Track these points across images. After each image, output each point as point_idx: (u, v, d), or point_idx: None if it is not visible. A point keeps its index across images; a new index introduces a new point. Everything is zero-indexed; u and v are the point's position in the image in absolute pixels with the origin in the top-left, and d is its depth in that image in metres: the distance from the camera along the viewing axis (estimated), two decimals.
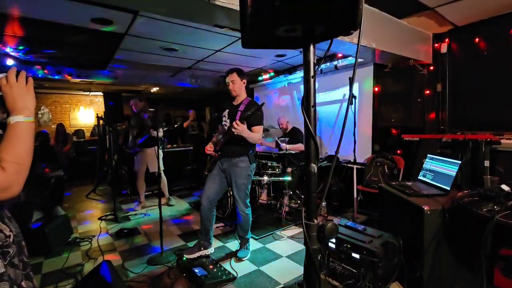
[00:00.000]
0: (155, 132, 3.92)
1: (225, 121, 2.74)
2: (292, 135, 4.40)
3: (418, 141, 3.46)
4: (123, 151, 5.70)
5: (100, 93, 8.10)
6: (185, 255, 2.69)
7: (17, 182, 0.82)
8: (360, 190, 3.73)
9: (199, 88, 6.67)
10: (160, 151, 4.41)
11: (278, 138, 4.29)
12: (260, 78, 6.19)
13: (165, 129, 4.08)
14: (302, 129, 4.73)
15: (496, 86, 3.11)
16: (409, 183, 2.57)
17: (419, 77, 3.62)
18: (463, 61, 3.40)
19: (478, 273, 1.70)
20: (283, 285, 2.33)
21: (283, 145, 3.87)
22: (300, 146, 4.20)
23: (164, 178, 4.50)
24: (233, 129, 2.40)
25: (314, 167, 0.94)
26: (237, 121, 2.39)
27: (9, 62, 4.26)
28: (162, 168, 4.41)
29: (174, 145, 6.27)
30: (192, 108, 7.13)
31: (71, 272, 2.56)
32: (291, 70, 5.56)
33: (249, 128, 2.53)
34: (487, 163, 2.74)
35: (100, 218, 3.97)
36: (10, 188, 0.80)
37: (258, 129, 2.60)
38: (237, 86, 2.66)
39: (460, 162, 2.32)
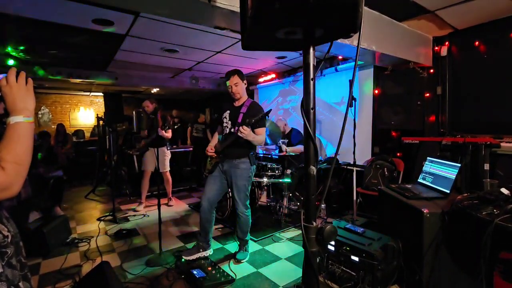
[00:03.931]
0: (164, 133, 3.95)
1: (226, 122, 2.73)
2: (291, 137, 4.40)
3: (418, 143, 3.46)
4: (122, 152, 5.71)
5: (101, 94, 8.11)
6: (183, 257, 2.69)
7: (16, 182, 0.82)
8: (359, 192, 3.73)
9: (199, 89, 6.68)
10: (168, 151, 4.44)
11: (280, 141, 4.29)
12: (260, 80, 6.21)
13: (171, 127, 4.07)
14: (302, 130, 4.75)
15: (496, 89, 3.11)
16: (409, 186, 2.57)
17: (419, 80, 3.63)
18: (463, 64, 3.40)
19: (477, 277, 1.69)
20: None
21: (284, 147, 3.89)
22: (300, 148, 4.20)
23: (170, 178, 4.52)
24: (239, 134, 2.41)
25: (313, 169, 0.94)
26: (244, 127, 2.39)
27: (10, 62, 4.26)
28: (168, 168, 4.46)
29: (174, 146, 6.27)
30: (192, 110, 7.15)
31: (69, 273, 2.54)
32: (291, 71, 5.57)
33: (252, 130, 2.53)
34: (486, 166, 2.74)
35: (99, 219, 3.97)
36: (10, 188, 0.81)
37: (261, 131, 2.60)
38: (240, 88, 2.66)
39: (459, 165, 2.31)
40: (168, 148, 4.46)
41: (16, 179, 0.82)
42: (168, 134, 4.12)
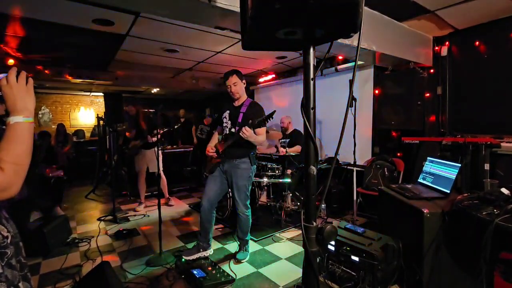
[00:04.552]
0: (152, 138, 4.01)
1: (226, 122, 2.73)
2: (292, 137, 4.40)
3: (418, 144, 3.46)
4: (123, 152, 5.71)
5: (101, 94, 8.12)
6: (184, 257, 2.69)
7: (15, 183, 0.82)
8: (360, 192, 3.73)
9: (200, 89, 6.68)
10: (160, 151, 4.43)
11: (279, 141, 4.29)
12: (260, 80, 6.21)
13: (164, 130, 4.11)
14: (301, 131, 4.68)
15: (496, 89, 3.11)
16: (409, 186, 2.57)
17: (419, 80, 3.62)
18: (463, 64, 3.40)
19: (477, 277, 1.69)
20: None
21: (282, 150, 3.89)
22: (297, 148, 4.20)
23: (164, 178, 4.51)
24: (241, 134, 2.41)
25: (313, 169, 0.94)
26: (246, 127, 2.39)
27: (10, 62, 4.27)
28: (161, 168, 4.44)
29: (174, 146, 6.27)
30: (193, 110, 7.14)
31: (70, 273, 2.54)
32: (291, 72, 5.58)
33: (253, 130, 2.52)
34: (487, 166, 2.74)
35: (99, 219, 3.97)
36: (8, 188, 0.80)
37: (262, 131, 2.59)
38: (239, 88, 2.65)
39: (460, 165, 2.31)
40: (159, 148, 4.46)
41: (15, 179, 0.82)
42: (155, 138, 4.16)
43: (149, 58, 4.57)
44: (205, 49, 4.15)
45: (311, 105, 0.94)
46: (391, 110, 3.90)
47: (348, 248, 2.19)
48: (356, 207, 3.66)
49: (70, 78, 5.13)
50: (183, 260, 2.65)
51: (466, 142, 2.87)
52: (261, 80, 6.20)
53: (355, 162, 3.57)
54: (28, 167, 0.87)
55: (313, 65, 0.94)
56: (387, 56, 3.13)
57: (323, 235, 0.92)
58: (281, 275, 2.49)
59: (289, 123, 4.57)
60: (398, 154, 3.87)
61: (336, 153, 1.00)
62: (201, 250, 2.75)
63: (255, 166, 2.74)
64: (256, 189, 3.84)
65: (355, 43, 2.62)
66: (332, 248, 2.31)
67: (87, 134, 8.52)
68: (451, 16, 2.98)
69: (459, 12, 2.88)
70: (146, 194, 4.59)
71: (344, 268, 2.21)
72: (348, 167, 3.92)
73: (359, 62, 3.87)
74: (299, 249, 2.98)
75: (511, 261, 1.59)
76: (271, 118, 2.41)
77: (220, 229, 3.56)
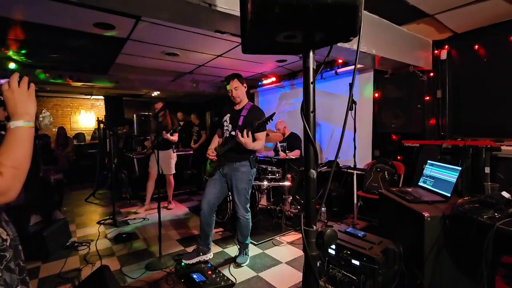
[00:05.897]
0: (170, 136, 4.01)
1: (226, 126, 2.73)
2: (290, 141, 4.40)
3: (418, 147, 3.45)
4: (123, 155, 5.71)
5: (101, 97, 8.14)
6: (183, 261, 2.67)
7: (14, 187, 0.81)
8: (360, 196, 3.72)
9: (200, 93, 6.70)
10: (175, 154, 4.44)
11: (277, 144, 4.29)
12: (260, 83, 6.23)
13: (177, 131, 4.13)
14: (301, 134, 4.70)
15: (496, 92, 3.12)
16: (409, 189, 2.56)
17: (419, 83, 3.63)
18: (463, 67, 3.41)
19: (479, 281, 1.68)
20: None
21: (282, 154, 3.90)
22: (297, 153, 4.20)
23: (172, 181, 4.52)
24: (237, 139, 2.41)
25: (313, 172, 0.94)
26: (244, 134, 2.39)
27: (11, 65, 4.28)
28: (173, 171, 4.45)
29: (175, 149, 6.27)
30: (193, 112, 7.14)
31: (69, 277, 2.53)
32: (291, 75, 5.59)
33: (253, 134, 2.52)
34: (487, 170, 2.73)
35: (99, 222, 3.96)
36: (7, 193, 0.80)
37: (261, 136, 2.59)
38: (240, 92, 2.66)
39: (460, 168, 2.31)
40: (175, 151, 4.46)
41: (14, 184, 0.81)
42: (174, 137, 4.15)
43: (150, 61, 4.59)
44: (206, 52, 4.16)
45: (311, 109, 0.94)
46: (391, 113, 3.90)
47: (348, 252, 2.18)
48: (356, 211, 3.64)
49: (70, 81, 5.14)
50: (182, 264, 2.64)
51: (466, 146, 2.86)
52: (261, 83, 6.21)
53: (355, 165, 3.56)
54: (27, 171, 0.87)
55: (313, 68, 0.94)
56: (386, 60, 3.14)
57: (324, 239, 0.91)
58: (281, 279, 2.47)
59: (284, 127, 4.57)
60: (399, 157, 3.86)
61: (336, 157, 1.00)
62: (201, 254, 2.74)
63: (255, 169, 2.74)
64: (256, 193, 3.83)
65: (355, 47, 2.62)
66: (333, 252, 2.29)
67: (88, 137, 8.53)
68: (450, 20, 3.00)
69: (458, 16, 2.89)
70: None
71: (345, 272, 2.20)
72: (349, 171, 3.91)
73: (358, 66, 3.88)
74: (299, 252, 2.97)
75: None
76: (270, 120, 2.42)
77: (220, 233, 3.55)
